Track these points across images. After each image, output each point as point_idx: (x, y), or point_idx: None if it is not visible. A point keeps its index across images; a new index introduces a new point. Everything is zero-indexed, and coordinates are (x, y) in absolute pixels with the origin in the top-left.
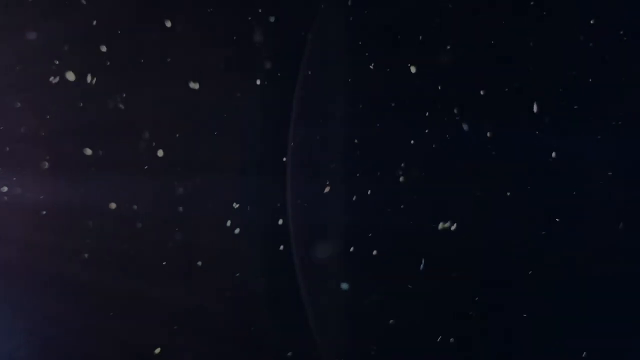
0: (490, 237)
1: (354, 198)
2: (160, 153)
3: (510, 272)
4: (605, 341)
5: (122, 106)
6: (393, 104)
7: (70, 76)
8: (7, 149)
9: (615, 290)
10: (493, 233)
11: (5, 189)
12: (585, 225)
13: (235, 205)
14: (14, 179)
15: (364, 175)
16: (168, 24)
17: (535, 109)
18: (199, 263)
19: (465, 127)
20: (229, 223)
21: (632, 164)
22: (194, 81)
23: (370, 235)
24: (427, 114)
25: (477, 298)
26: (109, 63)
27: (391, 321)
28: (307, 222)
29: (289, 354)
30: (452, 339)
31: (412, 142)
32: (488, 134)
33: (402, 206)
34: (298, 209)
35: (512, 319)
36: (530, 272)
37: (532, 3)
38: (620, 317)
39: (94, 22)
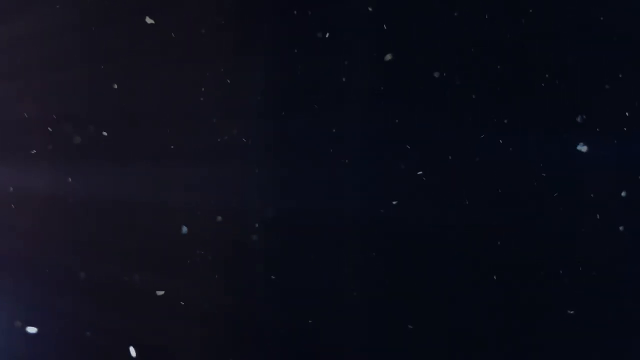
0: (486, 237)
1: (353, 194)
2: (159, 145)
3: (510, 272)
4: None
5: (119, 97)
6: (392, 101)
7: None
8: (8, 142)
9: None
10: (490, 233)
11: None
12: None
13: (235, 199)
14: (14, 170)
15: (365, 172)
16: (168, 14)
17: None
18: (200, 256)
19: (461, 125)
20: (228, 218)
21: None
22: (195, 73)
23: (369, 233)
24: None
25: (475, 298)
26: (107, 54)
27: (390, 319)
28: (307, 217)
29: (289, 349)
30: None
31: (409, 139)
32: (483, 134)
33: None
34: (298, 203)
35: (511, 320)
36: (529, 273)
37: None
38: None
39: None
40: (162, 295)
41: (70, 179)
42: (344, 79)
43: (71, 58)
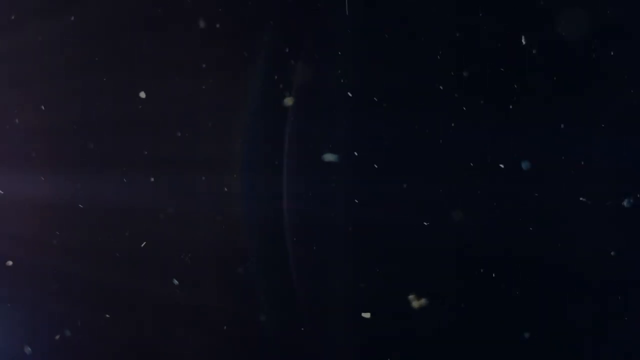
0: (487, 238)
1: (354, 197)
2: (160, 150)
3: (509, 272)
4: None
5: (121, 104)
6: (392, 102)
7: (70, 74)
8: (8, 146)
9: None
10: (491, 233)
11: (5, 186)
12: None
13: (235, 203)
14: (14, 176)
15: (364, 173)
16: (168, 21)
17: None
18: (199, 261)
19: (464, 126)
20: (228, 222)
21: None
22: (193, 79)
23: (368, 234)
24: (426, 112)
25: (477, 299)
26: (109, 61)
27: (392, 321)
28: (306, 221)
29: (287, 352)
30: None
31: (412, 141)
32: (487, 134)
33: (401, 205)
34: (297, 207)
35: (511, 321)
36: (529, 273)
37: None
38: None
39: (95, 20)
40: (159, 300)
41: (68, 185)
42: (341, 81)
43: (68, 66)
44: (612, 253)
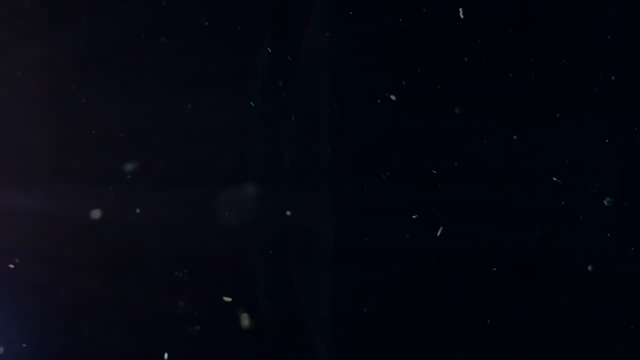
0: (487, 238)
1: (352, 203)
2: (155, 161)
3: (508, 273)
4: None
5: (118, 115)
6: (390, 106)
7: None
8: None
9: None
10: (491, 234)
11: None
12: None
13: (230, 212)
14: (11, 187)
15: (361, 179)
16: (163, 31)
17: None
18: (195, 271)
19: (463, 128)
20: (225, 229)
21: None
22: (191, 89)
23: (366, 239)
24: (425, 115)
25: (474, 299)
26: (107, 72)
27: (389, 324)
28: (303, 227)
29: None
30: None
31: (411, 144)
32: (485, 136)
33: (400, 209)
34: (295, 215)
35: (510, 320)
36: (528, 273)
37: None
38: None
39: (92, 32)
40: (158, 306)
41: (64, 195)
42: (335, 105)
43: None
44: (590, 267)
